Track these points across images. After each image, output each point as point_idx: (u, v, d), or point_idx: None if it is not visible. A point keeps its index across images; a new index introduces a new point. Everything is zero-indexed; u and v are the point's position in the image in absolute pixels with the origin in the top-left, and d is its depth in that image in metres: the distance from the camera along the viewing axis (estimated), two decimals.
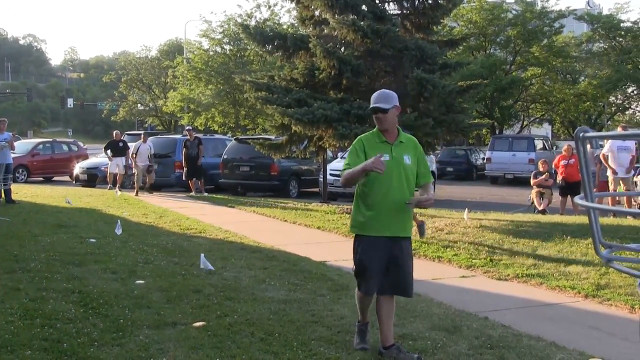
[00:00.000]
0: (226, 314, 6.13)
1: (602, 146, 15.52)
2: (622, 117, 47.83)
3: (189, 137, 20.13)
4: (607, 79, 37.95)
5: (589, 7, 65.92)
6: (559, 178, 16.19)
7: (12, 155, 16.86)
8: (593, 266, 8.64)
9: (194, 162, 19.59)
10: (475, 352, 5.31)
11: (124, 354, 5.00)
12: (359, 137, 5.36)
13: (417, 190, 5.39)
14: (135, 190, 19.48)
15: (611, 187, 14.48)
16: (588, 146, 2.19)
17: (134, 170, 19.99)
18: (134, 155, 19.71)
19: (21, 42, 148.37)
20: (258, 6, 36.37)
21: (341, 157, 21.30)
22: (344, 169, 5.14)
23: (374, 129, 5.30)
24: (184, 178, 20.02)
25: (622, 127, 19.23)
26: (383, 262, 5.12)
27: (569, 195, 15.79)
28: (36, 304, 6.26)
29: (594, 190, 2.43)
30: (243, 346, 5.26)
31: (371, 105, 5.23)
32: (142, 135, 21.05)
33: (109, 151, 20.90)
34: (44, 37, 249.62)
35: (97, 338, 5.35)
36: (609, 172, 14.75)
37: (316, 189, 20.83)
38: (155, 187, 21.33)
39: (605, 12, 48.96)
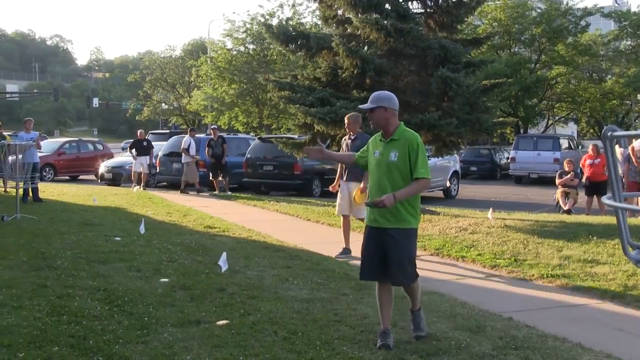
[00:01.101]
0: (249, 313, 6.16)
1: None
2: None
3: (212, 136, 20.20)
4: (634, 77, 37.46)
5: (616, 5, 65.19)
6: (584, 177, 16.04)
7: (39, 154, 17.07)
8: (620, 267, 8.54)
9: (218, 161, 19.67)
10: (500, 352, 5.27)
11: (148, 352, 5.04)
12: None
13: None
14: (183, 185, 19.75)
15: None
16: (617, 146, 2.16)
17: (182, 165, 20.01)
18: (187, 150, 19.79)
19: (48, 42, 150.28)
20: (281, 5, 36.47)
21: None
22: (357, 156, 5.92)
23: None
24: (211, 178, 20.06)
25: None
26: (375, 251, 5.48)
27: (595, 195, 15.67)
28: (63, 301, 6.34)
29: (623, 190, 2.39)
30: (266, 345, 5.27)
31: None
32: (190, 131, 21.09)
33: (133, 150, 21.03)
34: (70, 38, 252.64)
35: (122, 335, 5.40)
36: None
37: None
38: (178, 187, 21.49)
39: (633, 9, 48.33)
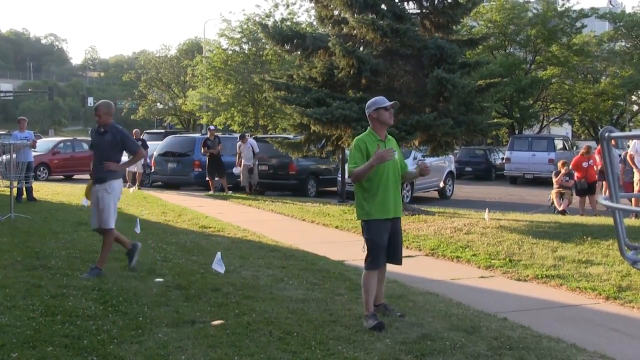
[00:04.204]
0: (244, 313, 6.15)
1: (628, 146, 15.35)
2: None
3: (209, 135, 20.14)
4: (629, 78, 37.54)
5: (611, 6, 65.33)
6: (576, 176, 16.11)
7: (34, 154, 17.00)
8: (614, 267, 8.56)
9: (215, 160, 19.64)
10: (494, 353, 5.27)
11: (142, 352, 5.03)
12: (359, 138, 6.19)
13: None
14: (248, 187, 19.81)
15: (637, 187, 14.30)
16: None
17: (240, 170, 19.97)
18: (239, 155, 19.89)
19: (43, 41, 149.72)
20: (276, 5, 36.38)
21: None
22: (353, 168, 6.02)
23: (367, 131, 6.22)
24: (207, 178, 20.00)
25: None
26: (387, 238, 6.11)
27: (587, 196, 15.85)
28: (57, 301, 6.32)
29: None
30: (261, 345, 5.27)
31: (387, 103, 6.16)
32: (244, 137, 20.80)
33: None
34: (65, 37, 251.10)
35: (117, 335, 5.38)
36: (635, 173, 14.55)
37: (334, 189, 20.83)
38: (173, 186, 21.48)
39: (628, 10, 48.44)
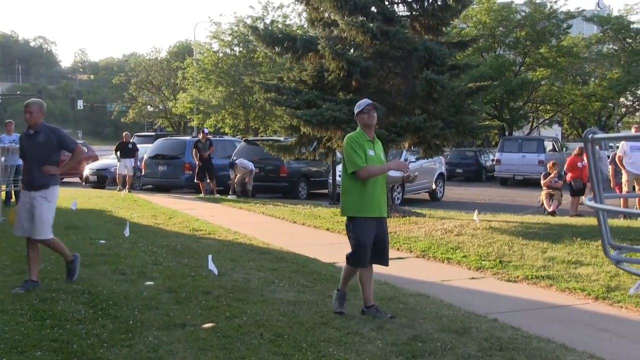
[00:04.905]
0: (235, 316, 6.14)
1: (617, 147, 15.48)
2: (633, 119, 47.63)
3: (200, 138, 20.06)
4: (617, 80, 37.75)
5: (598, 9, 65.70)
6: (570, 176, 16.18)
7: None
8: (603, 268, 8.60)
9: (205, 163, 19.59)
10: (485, 354, 5.29)
11: (133, 355, 5.02)
12: (351, 136, 6.32)
13: None
14: (241, 192, 19.69)
15: (625, 188, 14.41)
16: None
17: (235, 174, 19.82)
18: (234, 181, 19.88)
19: (32, 44, 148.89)
20: (266, 8, 36.37)
21: None
22: (362, 164, 6.08)
23: (357, 130, 6.37)
24: (195, 180, 19.97)
25: (636, 127, 19.14)
26: (372, 237, 6.19)
27: (579, 196, 15.95)
28: (46, 305, 6.29)
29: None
30: (252, 347, 5.27)
31: (367, 103, 6.29)
32: (234, 165, 20.54)
33: (118, 152, 20.93)
34: (54, 39, 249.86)
35: (107, 339, 5.37)
36: (623, 173, 14.69)
37: (325, 191, 20.83)
38: (164, 189, 21.42)
39: (615, 13, 48.67)
